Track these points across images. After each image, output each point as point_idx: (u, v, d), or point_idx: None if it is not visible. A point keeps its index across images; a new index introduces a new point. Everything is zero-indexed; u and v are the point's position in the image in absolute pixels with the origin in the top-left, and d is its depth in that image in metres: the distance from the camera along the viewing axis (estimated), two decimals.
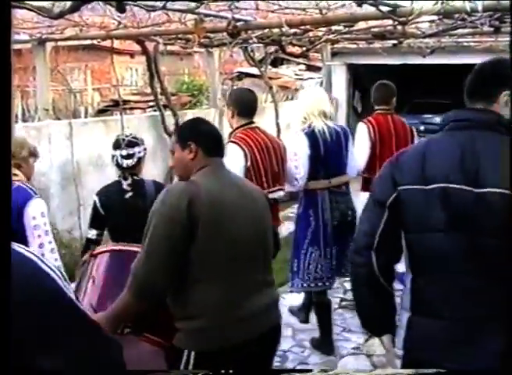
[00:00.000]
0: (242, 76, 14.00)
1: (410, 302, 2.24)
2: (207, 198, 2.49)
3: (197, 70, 16.48)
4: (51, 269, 1.33)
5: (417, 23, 5.26)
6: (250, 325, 2.58)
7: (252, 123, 4.35)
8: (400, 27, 6.56)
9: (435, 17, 5.79)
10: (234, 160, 4.00)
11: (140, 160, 3.91)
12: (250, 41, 7.00)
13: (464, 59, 11.20)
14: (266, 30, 6.53)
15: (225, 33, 5.99)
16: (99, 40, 7.26)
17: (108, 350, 1.45)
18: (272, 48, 9.29)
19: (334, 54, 12.64)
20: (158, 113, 8.50)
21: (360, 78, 13.67)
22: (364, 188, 5.24)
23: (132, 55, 11.13)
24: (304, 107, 4.73)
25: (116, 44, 8.24)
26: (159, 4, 4.23)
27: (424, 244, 2.16)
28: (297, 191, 4.84)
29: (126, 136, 3.97)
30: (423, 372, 1.83)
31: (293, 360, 4.97)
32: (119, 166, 3.91)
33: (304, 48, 8.41)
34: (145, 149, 3.96)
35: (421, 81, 15.61)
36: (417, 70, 11.71)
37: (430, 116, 14.86)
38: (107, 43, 7.48)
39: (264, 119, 10.83)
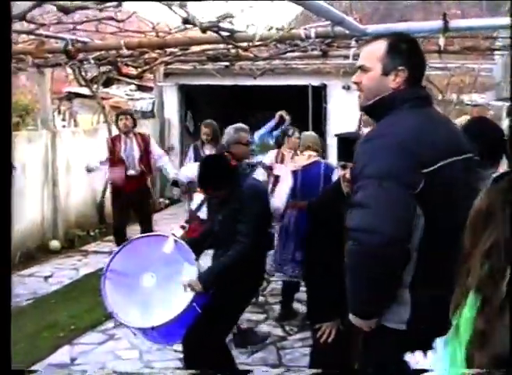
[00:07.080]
0: (72, 96, 13.61)
1: None
2: None
3: (21, 89, 15.77)
4: None
5: (256, 47, 5.44)
6: None
7: None
8: (233, 50, 6.76)
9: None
10: None
11: None
12: (86, 62, 6.87)
13: (292, 81, 11.77)
14: (103, 52, 6.45)
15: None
16: None
17: None
18: (105, 68, 9.13)
19: (166, 75, 12.68)
20: None
21: (192, 98, 13.82)
22: None
23: None
24: None
25: None
26: None
27: None
28: None
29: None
30: None
31: None
32: None
33: (140, 70, 8.37)
34: None
35: (251, 101, 15.98)
36: (247, 91, 12.06)
37: None
38: None
39: (97, 140, 10.59)
